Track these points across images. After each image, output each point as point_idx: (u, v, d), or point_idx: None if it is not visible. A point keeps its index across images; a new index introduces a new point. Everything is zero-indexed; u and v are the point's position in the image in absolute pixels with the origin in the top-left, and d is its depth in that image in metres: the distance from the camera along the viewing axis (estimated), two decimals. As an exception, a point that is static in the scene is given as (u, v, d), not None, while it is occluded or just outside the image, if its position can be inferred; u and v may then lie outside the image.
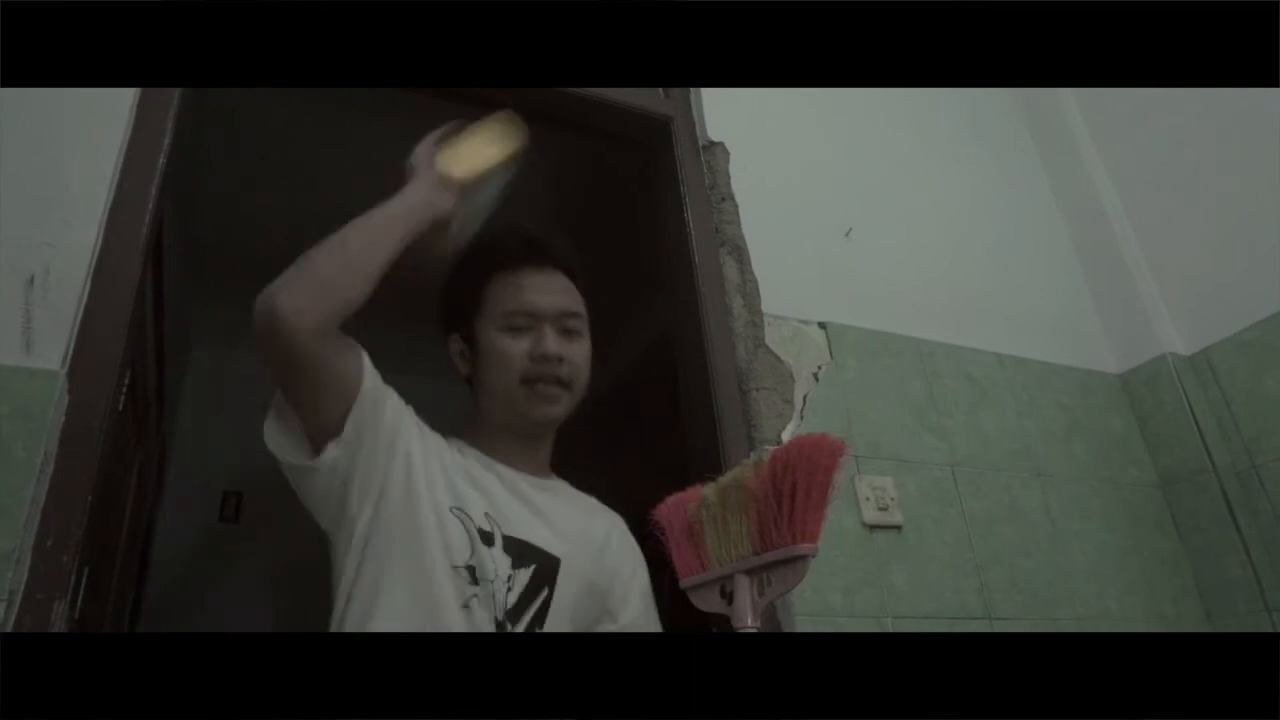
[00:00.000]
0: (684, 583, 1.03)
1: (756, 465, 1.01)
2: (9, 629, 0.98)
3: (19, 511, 1.03)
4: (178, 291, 2.79)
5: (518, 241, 1.14)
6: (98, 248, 1.20)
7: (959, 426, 1.76)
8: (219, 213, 2.85)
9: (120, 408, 1.61)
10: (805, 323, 1.70)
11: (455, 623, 0.94)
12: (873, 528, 1.54)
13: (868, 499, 1.55)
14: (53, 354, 1.11)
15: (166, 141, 1.32)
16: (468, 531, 1.00)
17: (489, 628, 0.96)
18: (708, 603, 1.02)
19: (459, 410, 1.18)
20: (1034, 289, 2.09)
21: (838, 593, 1.45)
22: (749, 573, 0.99)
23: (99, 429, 1.13)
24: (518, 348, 1.08)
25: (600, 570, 1.11)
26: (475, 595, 0.97)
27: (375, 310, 0.99)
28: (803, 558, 0.95)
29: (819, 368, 1.67)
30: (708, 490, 1.05)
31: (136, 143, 1.30)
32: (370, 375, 1.00)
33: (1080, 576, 1.72)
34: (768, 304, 1.68)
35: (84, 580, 1.39)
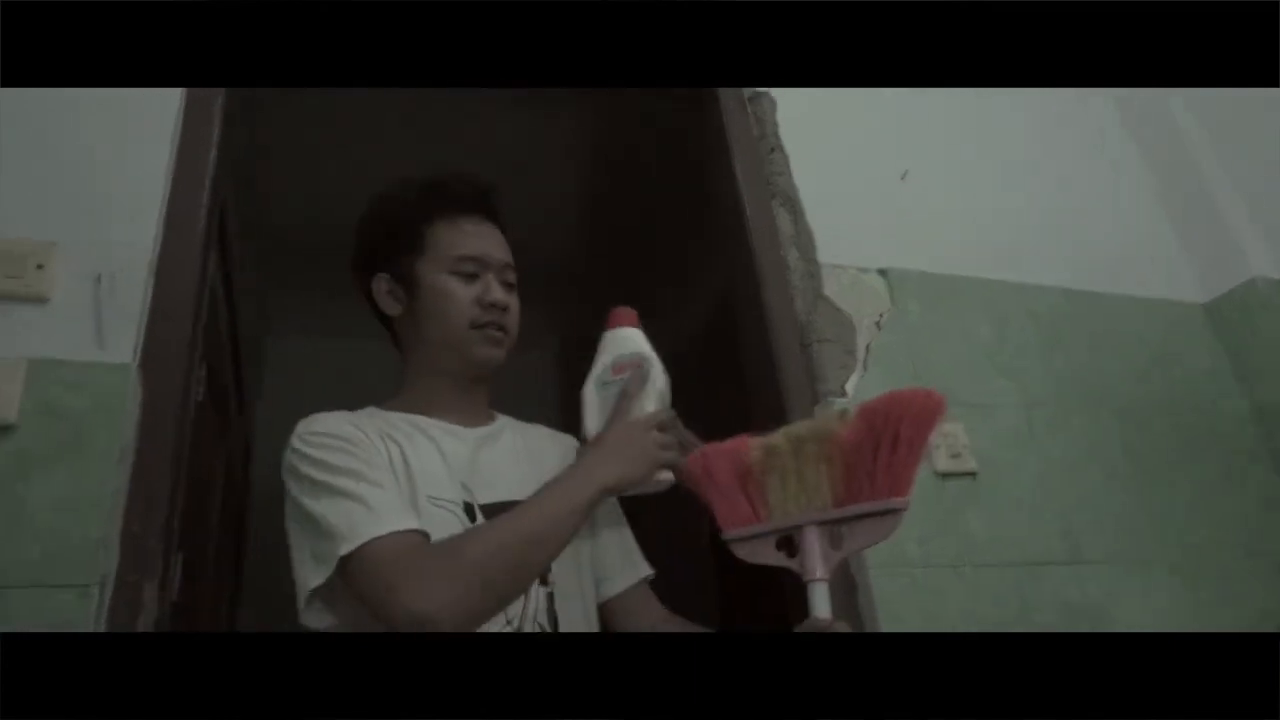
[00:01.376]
0: (730, 534, 1.01)
1: (842, 416, 0.98)
2: (105, 611, 1.03)
3: (104, 501, 1.07)
4: (248, 282, 2.87)
5: (466, 188, 1.12)
6: (158, 244, 1.24)
7: (1031, 368, 1.70)
8: (285, 203, 2.91)
9: (199, 399, 1.67)
10: (864, 270, 1.66)
11: None
12: (945, 475, 1.50)
13: (939, 446, 1.51)
14: (124, 348, 1.16)
15: (215, 137, 1.36)
16: (451, 516, 0.97)
17: None
18: (760, 555, 1.00)
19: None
20: (1105, 218, 1.98)
21: (913, 543, 1.43)
22: (821, 525, 0.97)
23: (174, 418, 1.17)
24: (467, 293, 1.06)
25: None
26: None
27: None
28: (895, 512, 0.93)
29: (880, 315, 1.62)
30: (776, 439, 1.02)
31: (186, 140, 1.33)
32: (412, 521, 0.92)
33: (1172, 516, 1.65)
34: (824, 254, 1.64)
35: (179, 567, 1.45)
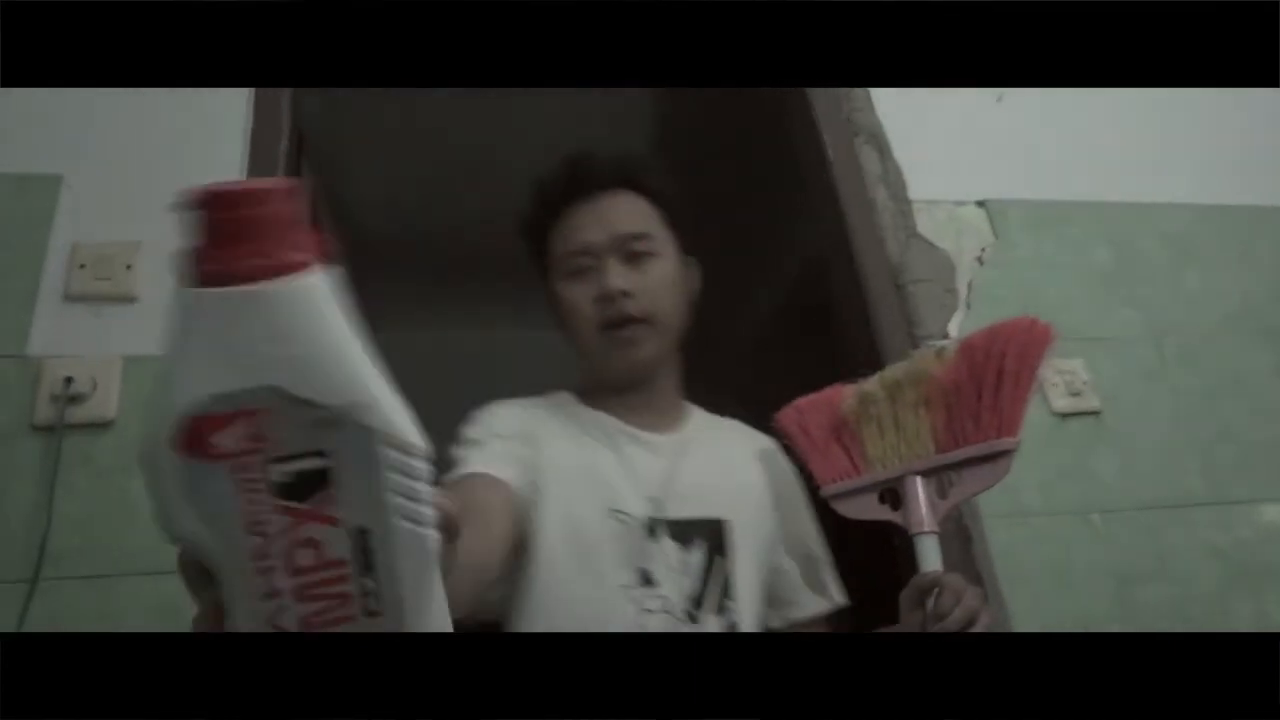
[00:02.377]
0: (829, 489, 0.96)
1: (939, 355, 0.93)
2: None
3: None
4: (356, 278, 2.92)
5: (561, 178, 1.01)
6: (237, 235, 1.26)
7: (1158, 294, 1.55)
8: (380, 199, 2.96)
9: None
10: (960, 204, 1.55)
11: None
12: (1065, 415, 1.39)
13: (1055, 385, 1.40)
14: (211, 341, 1.18)
15: (285, 130, 1.37)
16: (630, 531, 0.91)
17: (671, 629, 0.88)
18: (861, 510, 0.95)
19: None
20: (1234, 122, 1.78)
21: (1033, 490, 1.33)
22: (924, 474, 0.92)
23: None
24: (584, 294, 0.95)
25: (765, 511, 1.02)
26: (653, 598, 0.89)
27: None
28: (1005, 453, 0.87)
29: (982, 250, 1.51)
30: (870, 386, 0.97)
31: (258, 136, 1.35)
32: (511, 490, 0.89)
33: (1332, 444, 1.48)
34: (915, 190, 1.54)
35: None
